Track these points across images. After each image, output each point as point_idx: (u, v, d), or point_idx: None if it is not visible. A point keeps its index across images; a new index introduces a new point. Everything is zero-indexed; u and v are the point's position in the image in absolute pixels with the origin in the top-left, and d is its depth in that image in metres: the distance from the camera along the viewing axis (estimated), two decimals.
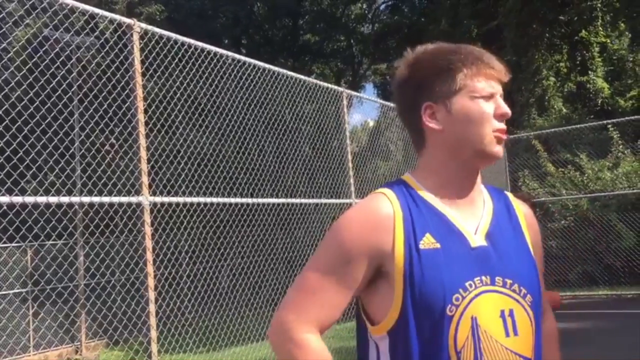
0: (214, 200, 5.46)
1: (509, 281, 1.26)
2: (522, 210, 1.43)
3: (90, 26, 4.84)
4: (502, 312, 1.24)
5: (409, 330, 1.21)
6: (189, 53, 5.36)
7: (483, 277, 1.25)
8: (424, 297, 1.20)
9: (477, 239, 1.29)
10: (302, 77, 6.88)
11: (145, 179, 4.38)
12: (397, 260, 1.23)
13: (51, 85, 4.77)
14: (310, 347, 1.24)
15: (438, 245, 1.25)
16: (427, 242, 1.25)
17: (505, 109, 1.31)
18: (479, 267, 1.25)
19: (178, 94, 6.68)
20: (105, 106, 5.05)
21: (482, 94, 1.29)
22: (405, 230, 1.25)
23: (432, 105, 1.33)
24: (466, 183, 1.34)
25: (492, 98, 1.31)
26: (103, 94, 5.08)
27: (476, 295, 1.22)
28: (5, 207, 3.84)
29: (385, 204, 1.29)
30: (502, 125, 1.31)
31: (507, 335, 1.23)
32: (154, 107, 6.05)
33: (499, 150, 1.30)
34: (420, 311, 1.20)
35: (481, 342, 1.20)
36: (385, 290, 1.25)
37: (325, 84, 7.29)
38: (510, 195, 1.47)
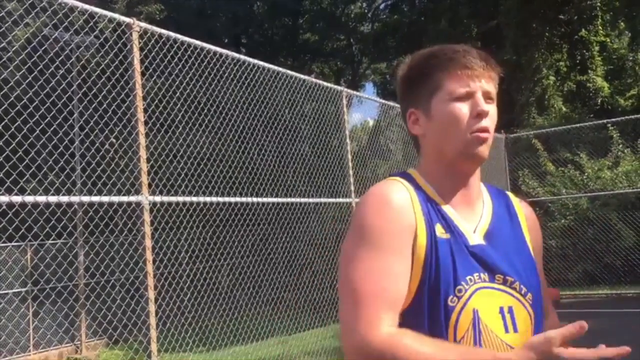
0: (214, 199, 5.46)
1: (509, 279, 1.27)
2: (523, 211, 1.43)
3: (89, 25, 4.82)
4: (502, 309, 1.24)
5: (421, 313, 1.22)
6: (189, 52, 5.36)
7: (482, 274, 1.25)
8: (435, 284, 1.22)
9: (475, 238, 1.29)
10: (302, 76, 6.87)
11: (144, 178, 4.37)
12: (420, 242, 1.24)
13: (51, 85, 4.77)
14: (394, 341, 1.13)
15: (448, 236, 1.26)
16: (440, 231, 1.26)
17: (482, 107, 1.27)
18: (477, 265, 1.26)
19: (177, 94, 6.67)
20: (105, 105, 5.05)
21: (456, 95, 1.28)
22: (424, 216, 1.27)
23: (415, 111, 1.36)
24: (459, 185, 1.33)
25: (469, 98, 1.28)
26: (103, 93, 5.07)
27: (477, 290, 1.24)
28: (4, 207, 3.84)
29: (402, 190, 1.29)
30: (482, 125, 1.27)
31: (507, 331, 1.23)
32: (153, 106, 6.04)
33: (480, 150, 1.28)
34: (430, 296, 1.22)
35: (482, 335, 1.21)
36: None
37: (325, 83, 7.28)
38: (511, 195, 1.47)
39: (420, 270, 1.23)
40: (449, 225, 1.28)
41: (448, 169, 1.32)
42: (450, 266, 1.23)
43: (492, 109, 1.30)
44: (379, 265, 1.19)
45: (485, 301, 1.23)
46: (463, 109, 1.28)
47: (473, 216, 1.33)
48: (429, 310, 1.22)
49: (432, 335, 1.19)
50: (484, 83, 1.30)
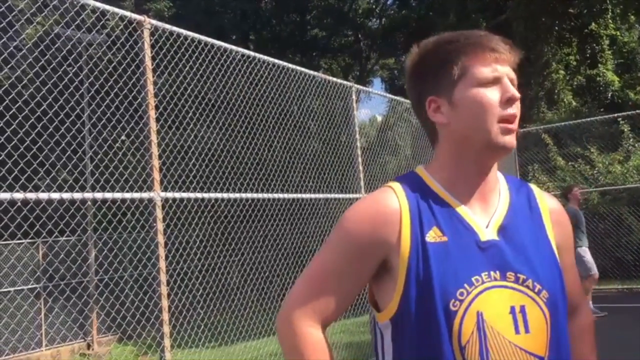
0: (225, 195, 5.47)
1: (521, 277, 1.22)
2: (547, 204, 1.36)
3: (101, 23, 4.85)
4: (513, 308, 1.20)
5: (410, 321, 1.21)
6: (199, 49, 5.38)
7: (492, 272, 1.21)
8: (427, 290, 1.19)
9: (487, 233, 1.25)
10: (311, 72, 6.86)
11: (156, 175, 4.40)
12: (402, 253, 1.22)
13: (63, 83, 4.80)
14: (312, 341, 1.25)
15: (445, 239, 1.22)
16: (434, 235, 1.23)
17: (512, 93, 1.22)
18: (488, 262, 1.22)
19: (188, 90, 6.70)
20: (117, 103, 5.08)
21: (484, 80, 1.22)
22: (412, 224, 1.24)
23: (436, 98, 1.29)
24: (478, 178, 1.29)
25: (496, 83, 1.23)
26: (115, 91, 5.11)
27: (483, 291, 1.19)
28: (19, 204, 3.88)
29: (392, 198, 1.27)
30: (510, 111, 1.22)
31: (517, 332, 1.19)
32: (164, 103, 6.07)
33: (508, 140, 1.23)
34: (423, 303, 1.19)
35: (487, 338, 1.17)
36: (388, 281, 1.26)
37: (335, 79, 7.26)
38: (535, 187, 1.40)
39: (404, 279, 1.21)
40: (457, 222, 1.25)
41: (469, 159, 1.27)
42: (448, 270, 1.19)
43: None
44: (343, 272, 1.27)
45: (493, 301, 1.19)
46: (491, 94, 1.23)
47: (487, 209, 1.28)
48: (418, 319, 1.19)
49: (433, 341, 1.18)
50: (508, 68, 1.26)
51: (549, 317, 1.23)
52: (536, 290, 1.22)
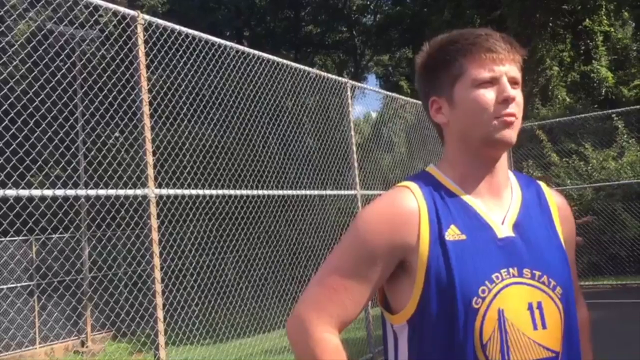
0: (219, 192, 5.44)
1: (537, 273, 1.23)
2: (555, 201, 1.38)
3: (94, 19, 4.80)
4: (530, 304, 1.21)
5: (430, 320, 1.20)
6: (193, 45, 5.34)
7: (510, 269, 1.22)
8: (449, 288, 1.18)
9: (504, 230, 1.25)
10: (305, 68, 6.84)
11: (150, 172, 4.36)
12: (422, 252, 1.21)
13: (56, 79, 4.76)
14: (329, 347, 1.23)
15: (464, 237, 1.22)
16: (453, 233, 1.22)
17: (508, 93, 1.22)
18: (506, 259, 1.22)
19: (182, 86, 6.66)
20: (110, 99, 5.04)
21: (480, 81, 1.23)
22: (430, 223, 1.23)
23: (437, 99, 1.31)
24: (485, 173, 1.29)
25: (494, 83, 1.24)
26: (108, 87, 5.06)
27: (503, 288, 1.20)
28: (12, 201, 3.84)
29: (409, 198, 1.26)
30: (507, 110, 1.23)
31: (535, 328, 1.20)
32: (158, 99, 6.03)
33: (506, 134, 1.23)
34: (444, 302, 1.18)
35: (508, 335, 1.18)
36: (406, 281, 1.24)
37: (329, 75, 7.25)
38: (543, 185, 1.42)
39: (423, 279, 1.21)
40: (474, 219, 1.25)
41: (473, 156, 1.28)
42: (468, 268, 1.19)
43: (517, 94, 1.26)
44: (359, 275, 1.24)
45: (513, 298, 1.20)
46: (488, 95, 1.24)
47: (501, 206, 1.29)
48: (438, 318, 1.19)
49: (454, 341, 1.17)
50: (508, 67, 1.26)
51: (563, 312, 1.24)
52: (551, 286, 1.24)
